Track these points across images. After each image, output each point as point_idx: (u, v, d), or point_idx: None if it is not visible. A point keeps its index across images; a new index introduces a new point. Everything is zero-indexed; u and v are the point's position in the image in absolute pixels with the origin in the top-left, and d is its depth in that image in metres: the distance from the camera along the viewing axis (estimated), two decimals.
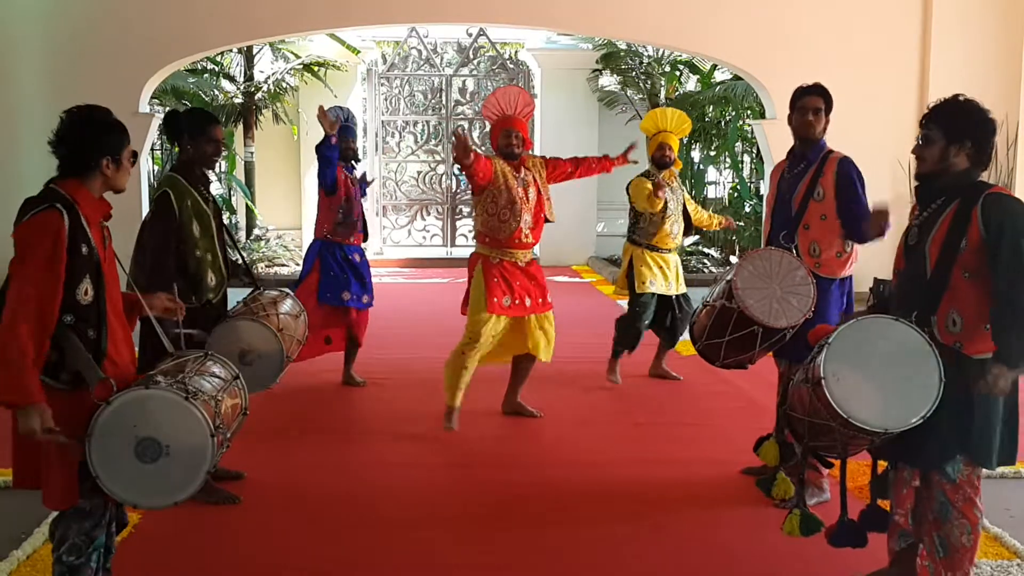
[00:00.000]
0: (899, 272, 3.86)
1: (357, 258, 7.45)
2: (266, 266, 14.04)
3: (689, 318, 7.40)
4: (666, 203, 7.42)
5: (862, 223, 4.86)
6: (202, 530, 4.67)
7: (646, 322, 7.62)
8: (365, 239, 7.59)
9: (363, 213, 7.55)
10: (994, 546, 4.57)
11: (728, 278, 4.97)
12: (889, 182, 10.82)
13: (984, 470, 3.71)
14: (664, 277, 7.56)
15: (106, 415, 3.26)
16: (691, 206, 7.86)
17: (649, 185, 7.37)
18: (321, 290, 7.20)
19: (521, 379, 6.76)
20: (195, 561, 4.47)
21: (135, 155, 3.57)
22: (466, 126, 16.44)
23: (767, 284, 4.88)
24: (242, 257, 5.60)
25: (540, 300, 6.38)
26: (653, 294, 7.54)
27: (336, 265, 7.33)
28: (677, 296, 7.69)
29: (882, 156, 10.58)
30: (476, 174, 6.02)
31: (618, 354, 7.76)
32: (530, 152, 6.49)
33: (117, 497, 3.37)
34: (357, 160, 7.66)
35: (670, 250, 7.61)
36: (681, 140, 7.72)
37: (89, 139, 3.43)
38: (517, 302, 6.27)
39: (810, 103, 5.11)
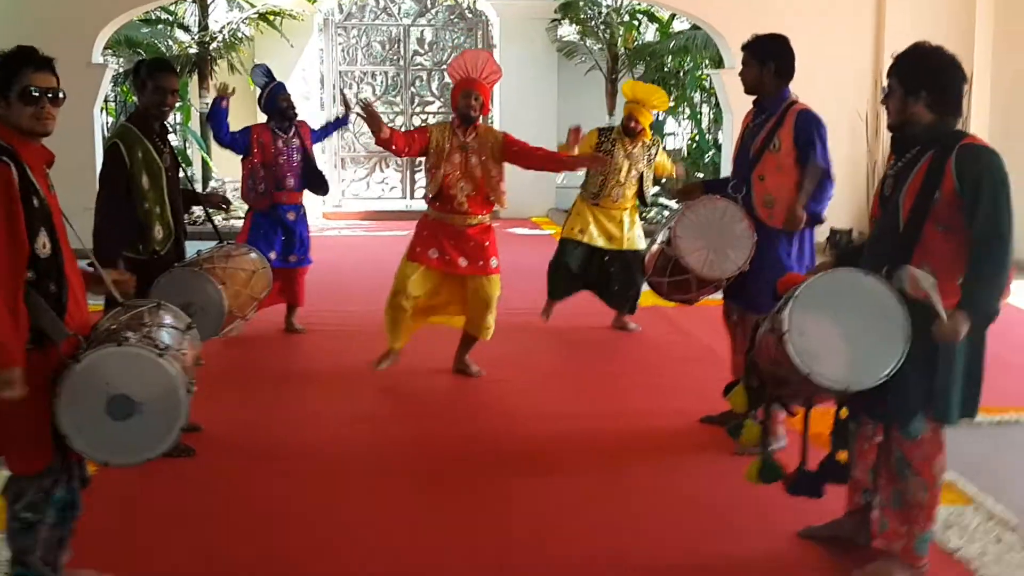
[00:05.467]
0: (874, 221, 3.79)
1: (291, 216, 7.35)
2: (223, 219, 13.88)
3: (634, 282, 7.51)
4: (609, 162, 7.29)
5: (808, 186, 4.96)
6: (158, 483, 4.62)
7: (570, 268, 7.61)
8: (325, 191, 7.44)
9: (303, 169, 7.35)
10: (949, 492, 4.60)
11: (670, 224, 5.02)
12: (848, 133, 10.90)
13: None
14: (600, 232, 7.50)
15: (75, 373, 3.14)
16: (662, 159, 7.73)
17: (594, 139, 7.43)
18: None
19: (467, 345, 6.61)
20: (150, 513, 4.44)
21: (39, 92, 3.20)
22: (424, 77, 16.30)
23: (705, 234, 4.93)
24: (207, 212, 5.54)
25: (480, 263, 6.19)
26: (578, 243, 7.54)
27: (266, 222, 7.27)
28: (617, 255, 7.57)
29: (841, 107, 10.62)
30: (392, 149, 5.97)
31: (550, 301, 7.82)
32: (487, 120, 6.38)
33: (86, 455, 3.29)
34: (294, 116, 7.40)
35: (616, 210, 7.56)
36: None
37: None
38: (447, 258, 6.16)
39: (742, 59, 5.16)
